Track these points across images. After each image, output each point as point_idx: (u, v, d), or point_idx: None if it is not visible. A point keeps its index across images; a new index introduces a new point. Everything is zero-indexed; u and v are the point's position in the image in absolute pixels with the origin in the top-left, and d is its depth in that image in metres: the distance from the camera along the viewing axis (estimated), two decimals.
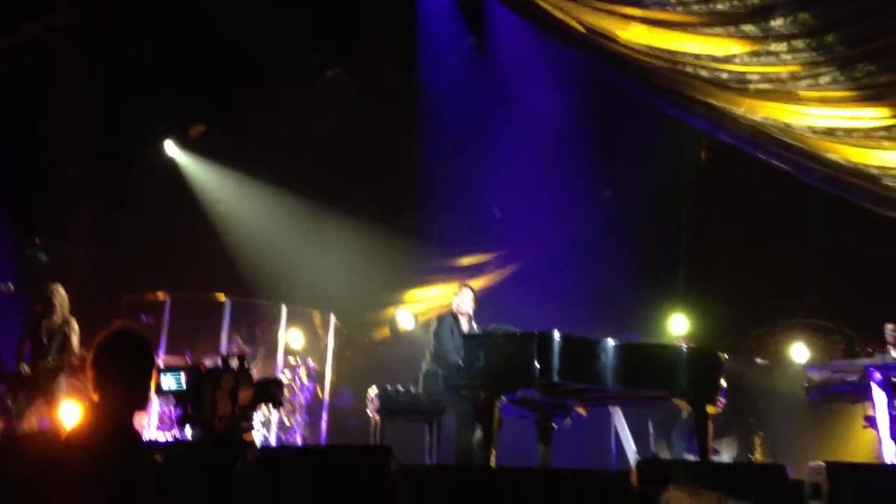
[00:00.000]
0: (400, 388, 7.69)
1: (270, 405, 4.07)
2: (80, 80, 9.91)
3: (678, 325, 11.12)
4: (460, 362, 7.09)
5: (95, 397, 3.44)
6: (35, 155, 10.81)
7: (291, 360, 9.71)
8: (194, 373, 3.52)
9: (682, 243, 11.42)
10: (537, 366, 6.69)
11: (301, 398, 9.52)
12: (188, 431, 4.42)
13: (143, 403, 3.42)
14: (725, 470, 7.00)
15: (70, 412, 10.20)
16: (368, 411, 7.77)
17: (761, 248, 11.60)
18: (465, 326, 7.76)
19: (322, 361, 10.25)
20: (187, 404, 3.70)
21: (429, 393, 7.55)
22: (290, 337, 10.04)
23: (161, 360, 9.30)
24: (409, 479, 5.38)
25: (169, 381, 3.98)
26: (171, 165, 11.80)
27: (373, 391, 7.72)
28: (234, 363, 3.51)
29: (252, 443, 3.33)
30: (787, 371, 10.98)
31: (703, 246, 11.75)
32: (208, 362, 7.90)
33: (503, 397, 6.91)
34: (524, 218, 11.75)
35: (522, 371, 6.75)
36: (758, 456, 10.22)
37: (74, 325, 8.44)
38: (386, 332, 11.63)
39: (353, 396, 9.89)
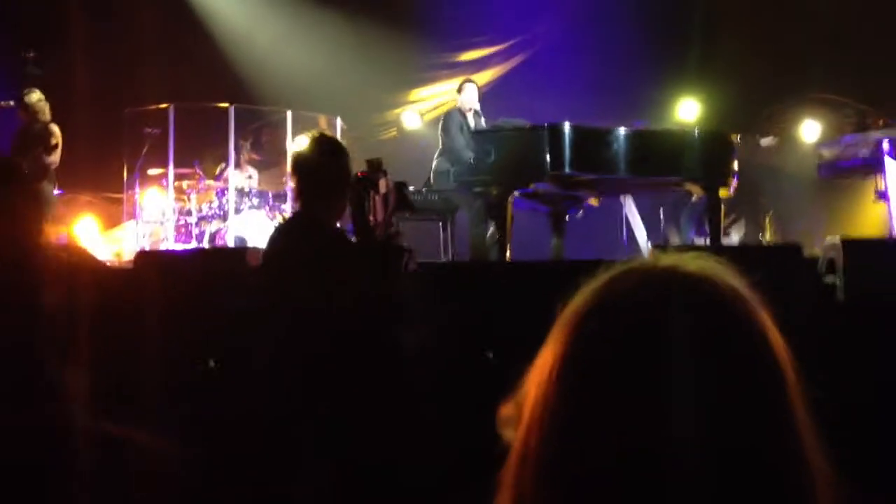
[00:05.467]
0: (412, 187, 7.69)
1: (407, 212, 4.02)
2: None
3: (688, 110, 10.99)
4: (471, 159, 7.06)
5: (298, 205, 3.42)
6: None
7: None
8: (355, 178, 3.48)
9: (690, 22, 11.10)
10: (549, 158, 6.65)
11: None
12: None
13: (342, 209, 3.41)
14: (738, 251, 7.10)
15: (86, 228, 10.33)
16: None
17: (773, 22, 11.29)
18: (471, 122, 7.66)
19: None
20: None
21: (440, 191, 7.55)
22: (298, 143, 9.96)
23: (172, 173, 9.31)
24: (427, 276, 5.47)
25: None
26: None
27: None
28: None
29: (411, 248, 3.35)
30: (797, 150, 10.93)
31: (711, 24, 11.43)
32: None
33: (516, 192, 6.92)
34: (526, 7, 11.40)
35: (534, 164, 6.73)
36: (768, 237, 10.35)
37: (54, 129, 8.29)
38: (393, 132, 11.55)
39: None
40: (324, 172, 3.36)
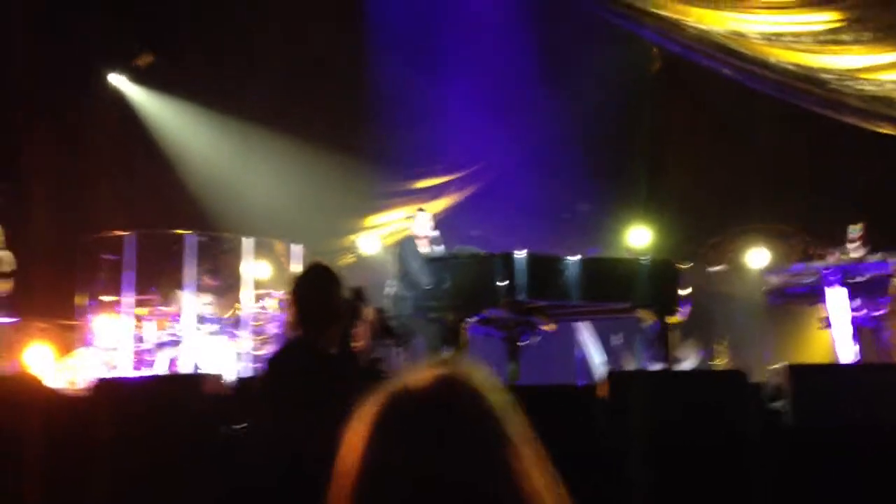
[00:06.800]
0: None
1: (388, 339, 4.16)
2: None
3: (639, 238, 11.27)
4: (427, 285, 7.17)
5: (295, 331, 3.45)
6: None
7: (259, 291, 9.71)
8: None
9: (638, 155, 11.49)
10: (503, 285, 6.79)
11: (272, 328, 9.54)
12: None
13: (336, 335, 3.42)
14: (684, 377, 7.21)
15: (39, 355, 10.20)
16: None
17: (715, 157, 11.72)
18: (425, 250, 7.78)
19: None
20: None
21: (397, 316, 7.61)
22: (256, 269, 10.03)
23: (129, 299, 9.28)
24: None
25: None
26: (120, 99, 11.58)
27: None
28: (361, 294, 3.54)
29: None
30: (745, 277, 11.20)
31: (658, 157, 11.84)
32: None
33: (471, 318, 7.02)
34: (481, 138, 11.74)
35: (488, 291, 6.86)
36: (719, 361, 10.48)
37: (3, 256, 8.30)
38: (351, 258, 11.67)
39: None
40: (322, 300, 3.43)
